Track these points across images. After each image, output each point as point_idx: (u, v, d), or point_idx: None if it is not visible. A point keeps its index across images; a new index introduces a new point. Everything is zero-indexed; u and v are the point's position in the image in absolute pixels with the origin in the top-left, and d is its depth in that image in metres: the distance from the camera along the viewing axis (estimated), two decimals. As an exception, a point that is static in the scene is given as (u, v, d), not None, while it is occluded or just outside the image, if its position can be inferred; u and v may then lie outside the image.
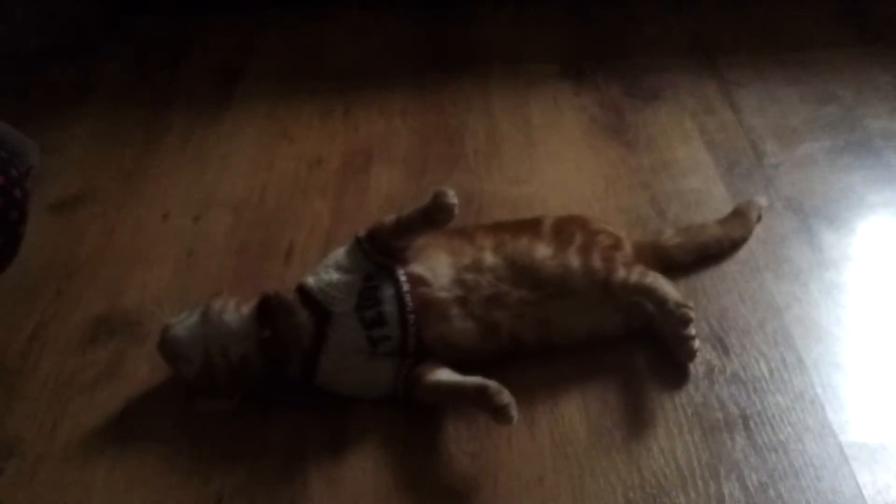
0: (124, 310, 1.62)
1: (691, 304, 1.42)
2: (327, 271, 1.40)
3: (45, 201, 1.90)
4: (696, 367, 1.42)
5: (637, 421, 1.35)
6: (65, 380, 1.49)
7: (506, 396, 1.25)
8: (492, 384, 1.26)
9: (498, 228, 1.50)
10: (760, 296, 1.55)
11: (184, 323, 1.39)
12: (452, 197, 1.34)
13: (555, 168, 1.91)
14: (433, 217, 1.35)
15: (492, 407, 1.25)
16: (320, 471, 1.31)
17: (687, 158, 1.91)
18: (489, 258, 1.42)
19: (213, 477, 1.32)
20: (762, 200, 1.74)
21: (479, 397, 1.27)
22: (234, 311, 1.38)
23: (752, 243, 1.66)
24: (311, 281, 1.39)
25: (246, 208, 1.86)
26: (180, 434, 1.39)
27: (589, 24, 2.46)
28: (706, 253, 1.63)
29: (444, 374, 1.34)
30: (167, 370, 1.46)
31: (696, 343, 1.41)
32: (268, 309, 1.37)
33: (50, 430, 1.41)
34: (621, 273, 1.43)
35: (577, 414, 1.37)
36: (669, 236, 1.62)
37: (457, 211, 1.34)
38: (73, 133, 2.13)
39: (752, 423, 1.33)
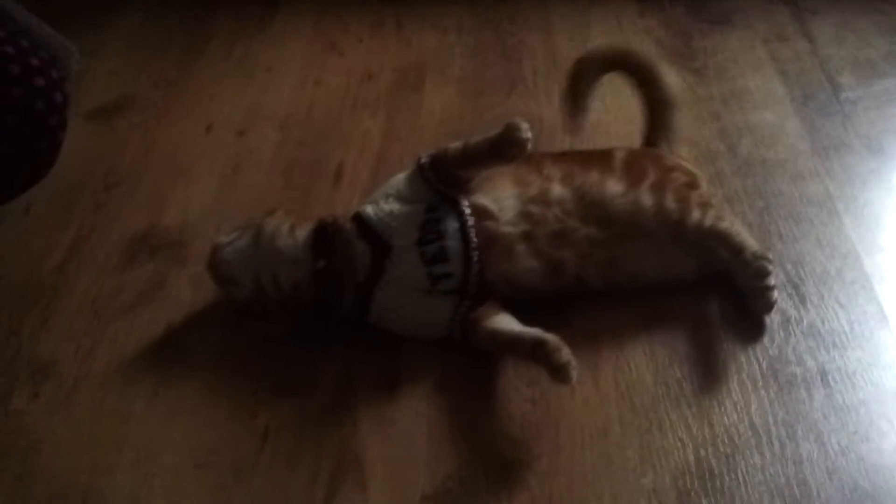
0: (166, 227, 1.55)
1: (770, 254, 1.33)
2: (387, 200, 1.31)
3: (83, 108, 1.82)
4: (772, 318, 1.33)
5: (708, 373, 1.27)
6: (103, 300, 1.43)
7: (565, 354, 1.16)
8: (551, 339, 1.18)
9: (567, 158, 1.40)
10: (839, 241, 1.46)
11: (234, 244, 1.32)
12: (526, 131, 1.23)
13: (618, 96, 1.80)
14: (504, 151, 1.25)
15: (549, 364, 1.17)
16: (371, 411, 1.25)
17: (759, 89, 1.81)
18: (557, 189, 1.33)
19: (259, 410, 1.25)
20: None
21: (538, 352, 1.18)
22: (288, 235, 1.30)
23: (829, 184, 1.57)
24: (369, 210, 1.31)
25: (293, 124, 1.78)
26: (225, 363, 1.32)
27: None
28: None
29: (504, 322, 1.26)
30: (211, 293, 1.40)
31: (775, 294, 1.32)
32: (324, 237, 1.29)
33: (87, 353, 1.35)
34: (696, 215, 1.34)
35: (644, 362, 1.29)
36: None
37: (530, 146, 1.24)
38: (113, 37, 2.04)
39: (830, 380, 1.25)
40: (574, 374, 1.16)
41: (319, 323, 1.33)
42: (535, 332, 1.21)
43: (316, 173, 1.63)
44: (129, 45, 2.01)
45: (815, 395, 1.23)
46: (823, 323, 1.33)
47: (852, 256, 1.43)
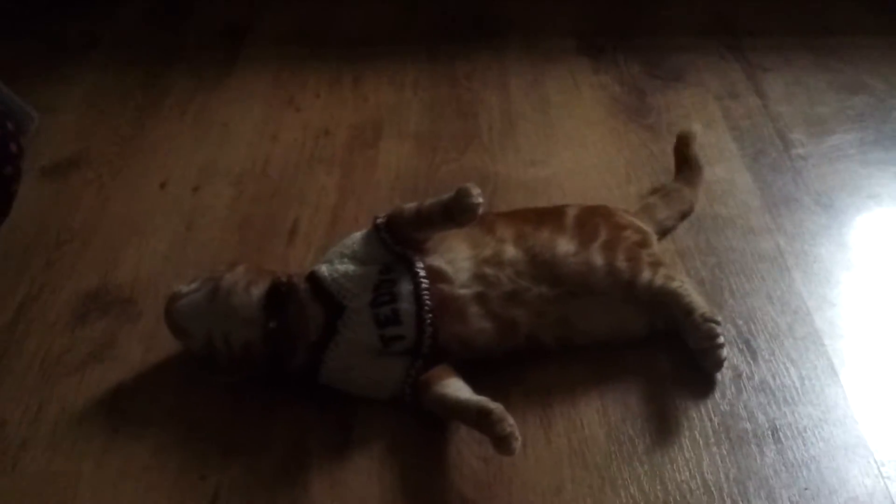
0: (118, 284, 1.54)
1: (718, 316, 1.34)
2: (342, 260, 1.31)
3: (38, 164, 1.81)
4: (723, 373, 1.34)
5: (661, 429, 1.27)
6: (52, 359, 1.41)
7: (508, 425, 1.15)
8: (496, 409, 1.16)
9: (519, 217, 1.41)
10: (790, 297, 1.47)
11: (190, 297, 1.31)
12: (477, 196, 1.23)
13: (573, 151, 1.83)
14: (455, 216, 1.25)
15: (493, 434, 1.16)
16: (323, 471, 1.23)
17: (711, 145, 1.83)
18: (510, 251, 1.34)
19: (209, 472, 1.23)
20: (695, 126, 1.71)
21: (482, 421, 1.17)
22: (244, 293, 1.29)
23: (780, 240, 1.58)
24: (323, 270, 1.31)
25: (248, 180, 1.77)
26: (175, 423, 1.31)
27: (609, -2, 2.37)
28: (685, 217, 1.62)
29: (452, 387, 1.25)
30: (162, 352, 1.40)
31: (724, 353, 1.33)
32: (277, 297, 1.29)
33: (35, 413, 1.33)
34: (646, 275, 1.35)
35: (596, 419, 1.29)
36: (659, 210, 1.58)
37: (481, 210, 1.24)
38: (70, 92, 2.04)
39: (781, 436, 1.26)
40: (516, 445, 1.14)
41: (272, 380, 1.32)
42: (480, 400, 1.20)
43: (270, 230, 1.63)
44: (85, 100, 2.01)
45: (766, 452, 1.24)
46: (774, 378, 1.34)
47: (803, 312, 1.44)
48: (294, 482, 1.22)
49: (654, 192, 1.66)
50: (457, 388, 1.25)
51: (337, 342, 1.27)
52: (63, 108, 1.97)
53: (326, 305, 1.27)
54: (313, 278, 1.30)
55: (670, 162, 1.73)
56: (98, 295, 1.52)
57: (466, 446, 1.25)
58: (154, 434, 1.29)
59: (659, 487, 1.19)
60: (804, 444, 1.25)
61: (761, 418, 1.28)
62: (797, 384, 1.33)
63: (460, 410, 1.22)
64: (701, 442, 1.25)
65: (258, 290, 1.30)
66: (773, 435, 1.26)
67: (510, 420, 1.15)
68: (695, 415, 1.29)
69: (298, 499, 1.20)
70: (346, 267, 1.30)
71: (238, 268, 1.34)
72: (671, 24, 2.26)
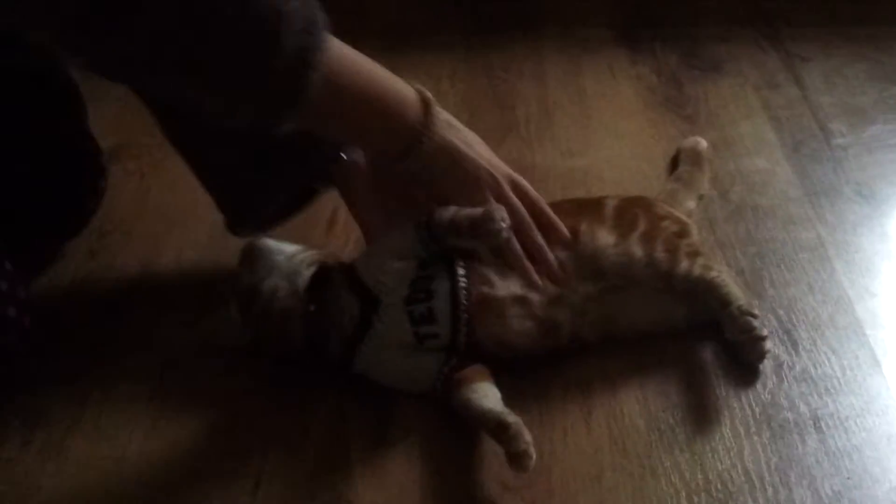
0: (159, 274, 1.55)
1: (756, 309, 1.32)
2: (381, 255, 1.31)
3: (80, 155, 1.83)
4: (764, 363, 1.33)
5: (701, 418, 1.27)
6: (95, 346, 1.43)
7: (523, 443, 1.14)
8: (513, 424, 1.15)
9: (559, 210, 1.40)
10: (831, 287, 1.46)
11: (280, 245, 1.35)
12: (499, 222, 1.21)
13: (611, 141, 1.82)
14: (480, 236, 1.23)
15: (507, 449, 1.15)
16: (363, 458, 1.24)
17: (750, 136, 1.82)
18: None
19: (251, 459, 1.24)
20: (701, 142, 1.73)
21: (499, 435, 1.16)
22: (306, 268, 1.31)
23: (820, 229, 1.58)
24: (362, 263, 1.31)
25: (287, 171, 1.78)
26: (216, 410, 1.32)
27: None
28: (701, 199, 1.64)
29: (478, 393, 1.23)
30: (201, 341, 1.40)
31: (766, 345, 1.32)
32: (319, 283, 1.30)
33: (80, 399, 1.34)
34: (684, 265, 1.34)
35: (637, 409, 1.29)
36: (682, 195, 1.59)
37: (505, 234, 1.23)
38: (112, 85, 2.04)
39: (823, 426, 1.25)
40: (530, 464, 1.14)
41: (310, 367, 1.33)
42: (500, 413, 1.18)
43: (310, 219, 1.63)
44: (127, 92, 2.02)
45: (808, 441, 1.23)
46: (816, 368, 1.33)
47: (844, 302, 1.44)
48: (335, 468, 1.23)
49: (671, 178, 1.66)
50: (483, 395, 1.23)
51: (371, 336, 1.27)
52: (104, 100, 1.98)
53: (362, 298, 1.28)
54: (351, 270, 1.31)
55: (709, 153, 1.73)
56: (140, 284, 1.53)
57: (507, 434, 1.26)
58: (196, 421, 1.30)
59: (700, 476, 1.19)
60: (846, 434, 1.24)
61: (803, 408, 1.28)
62: (839, 374, 1.32)
63: (480, 419, 1.20)
64: (742, 431, 1.25)
65: (308, 272, 1.31)
66: (814, 424, 1.25)
67: (527, 437, 1.15)
68: (735, 404, 1.28)
69: (338, 484, 1.20)
70: (384, 261, 1.29)
71: (325, 250, 1.39)
72: (708, 14, 2.25)
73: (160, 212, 1.69)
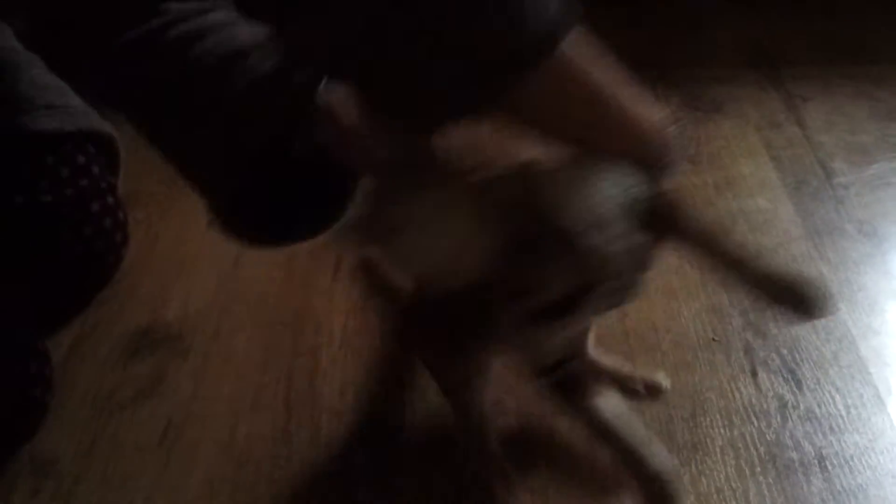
0: (167, 322, 1.56)
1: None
2: None
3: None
4: (768, 402, 1.34)
5: (705, 459, 1.27)
6: (104, 396, 1.44)
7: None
8: (676, 484, 1.05)
9: None
10: (834, 325, 1.47)
11: None
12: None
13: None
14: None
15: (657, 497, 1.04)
16: (370, 497, 1.25)
17: (752, 175, 1.83)
18: None
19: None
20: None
21: (653, 487, 1.05)
22: None
23: (823, 268, 1.58)
24: None
25: (293, 217, 1.80)
26: (224, 457, 1.33)
27: (645, 30, 2.38)
28: None
29: (611, 406, 1.05)
30: (210, 388, 1.41)
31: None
32: None
33: (88, 448, 1.35)
34: None
35: (641, 449, 1.29)
36: None
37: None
38: (121, 134, 2.07)
39: (828, 465, 1.25)
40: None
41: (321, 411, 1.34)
42: (660, 463, 1.07)
43: (316, 265, 1.65)
44: (135, 140, 2.04)
45: (813, 480, 1.23)
46: (820, 407, 1.33)
47: (847, 340, 1.44)
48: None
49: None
50: (617, 411, 1.06)
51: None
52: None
53: None
54: None
55: (711, 194, 1.74)
56: (148, 332, 1.54)
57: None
58: (203, 468, 1.31)
59: (705, 517, 1.19)
60: (851, 473, 1.24)
61: (807, 447, 1.28)
62: (843, 412, 1.33)
63: (623, 450, 1.07)
64: (747, 471, 1.25)
65: None
66: (819, 463, 1.26)
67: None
68: (741, 444, 1.29)
69: (347, 530, 1.21)
70: None
71: None
72: (710, 56, 2.27)
73: (168, 260, 1.70)
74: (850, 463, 1.25)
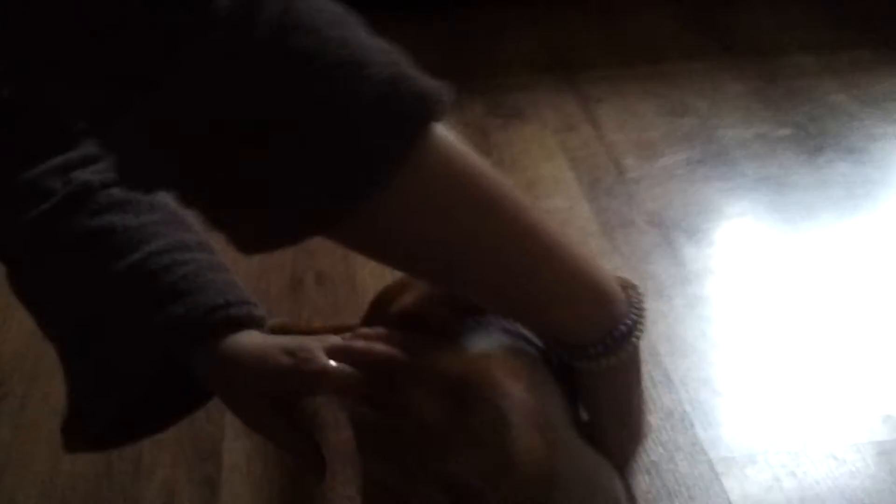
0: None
1: None
2: None
3: None
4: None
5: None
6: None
7: None
8: None
9: None
10: (627, 313, 1.57)
11: None
12: None
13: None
14: None
15: None
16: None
17: (551, 177, 1.93)
18: None
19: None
20: None
21: None
22: None
23: (616, 260, 1.69)
24: None
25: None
26: (48, 495, 1.33)
27: (446, 40, 2.47)
28: None
29: None
30: (31, 430, 1.42)
31: None
32: None
33: None
34: None
35: None
36: None
37: None
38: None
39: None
40: None
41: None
42: None
43: (267, 280, 1.67)
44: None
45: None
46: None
47: (639, 327, 1.55)
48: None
49: None
50: None
51: None
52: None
53: None
54: None
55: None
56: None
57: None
58: (27, 508, 1.32)
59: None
60: (644, 451, 1.33)
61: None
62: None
63: None
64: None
65: None
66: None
67: None
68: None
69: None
70: None
71: None
72: (510, 63, 2.38)
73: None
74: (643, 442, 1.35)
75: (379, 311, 0.99)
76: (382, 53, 0.66)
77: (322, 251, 1.69)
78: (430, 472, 0.79)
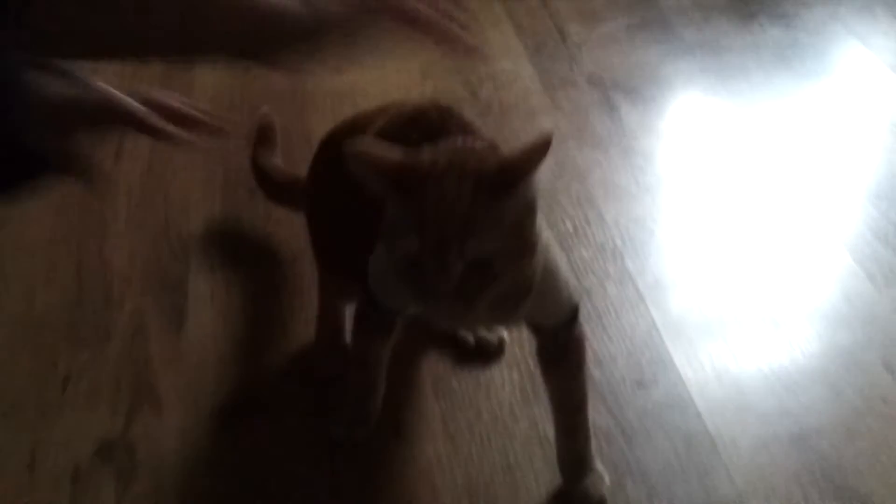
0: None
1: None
2: None
3: None
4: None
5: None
6: None
7: None
8: None
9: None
10: (566, 162, 1.68)
11: None
12: None
13: (373, 60, 1.98)
14: None
15: None
16: (162, 350, 1.38)
17: (497, 42, 2.02)
18: None
19: (59, 360, 1.37)
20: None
21: None
22: None
23: (557, 115, 1.79)
24: None
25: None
26: (23, 325, 1.43)
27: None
28: None
29: None
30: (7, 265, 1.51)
31: None
32: None
33: None
34: None
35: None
36: None
37: None
38: None
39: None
40: None
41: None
42: None
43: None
44: None
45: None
46: (552, 228, 1.46)
47: (576, 174, 1.66)
48: (136, 361, 1.37)
49: None
50: None
51: None
52: None
53: None
54: None
55: (461, 61, 1.92)
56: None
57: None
58: (3, 336, 1.42)
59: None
60: (578, 279, 1.44)
61: (541, 262, 1.48)
62: (571, 231, 1.54)
63: None
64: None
65: None
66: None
67: None
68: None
69: (141, 374, 1.35)
70: None
71: None
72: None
73: None
74: (577, 271, 1.47)
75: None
76: None
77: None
78: None
